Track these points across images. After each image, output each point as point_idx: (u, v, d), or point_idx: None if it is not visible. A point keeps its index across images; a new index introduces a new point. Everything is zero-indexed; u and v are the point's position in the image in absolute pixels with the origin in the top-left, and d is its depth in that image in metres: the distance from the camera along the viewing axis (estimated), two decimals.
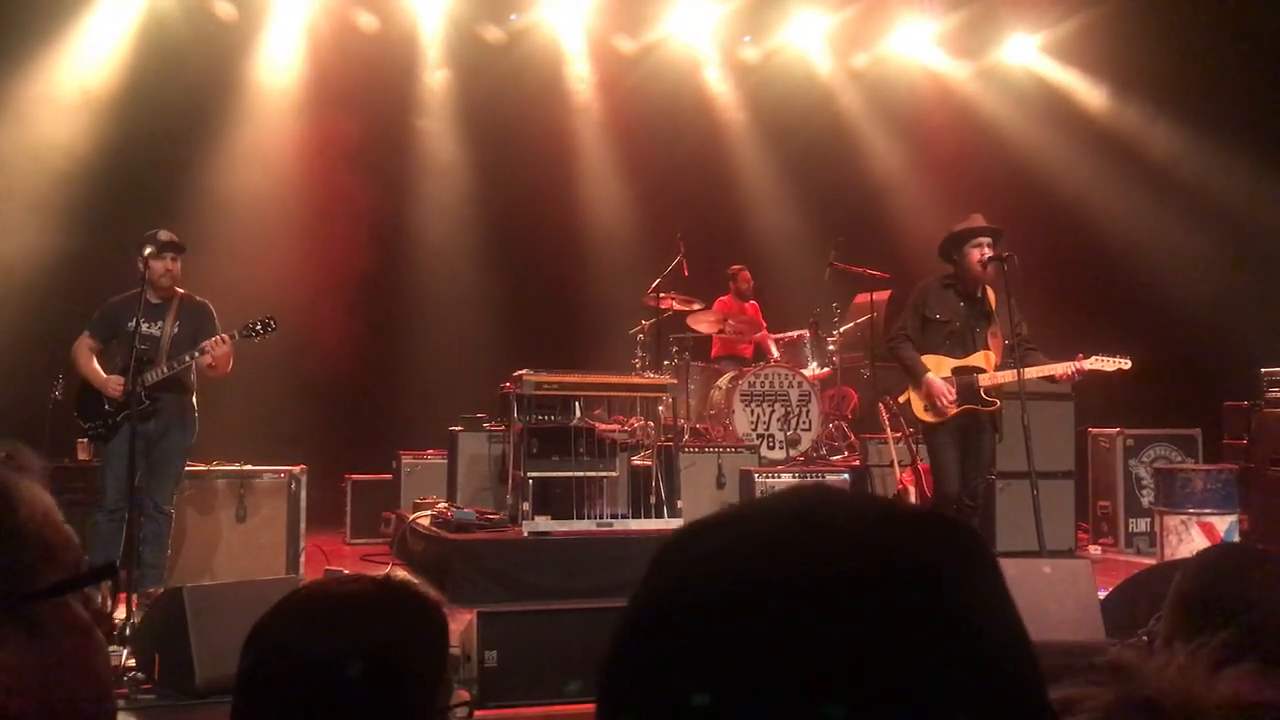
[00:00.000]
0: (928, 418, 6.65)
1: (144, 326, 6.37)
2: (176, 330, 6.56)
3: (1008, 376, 6.49)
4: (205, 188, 10.31)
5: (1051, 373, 6.54)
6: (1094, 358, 6.52)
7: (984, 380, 6.55)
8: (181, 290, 6.66)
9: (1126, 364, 6.54)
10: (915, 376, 6.65)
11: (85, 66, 10.10)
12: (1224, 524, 6.96)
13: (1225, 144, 10.48)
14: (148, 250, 6.40)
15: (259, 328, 6.54)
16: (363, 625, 1.39)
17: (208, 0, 10.63)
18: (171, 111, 10.18)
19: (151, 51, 10.24)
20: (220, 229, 9.99)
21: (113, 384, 6.43)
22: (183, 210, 9.62)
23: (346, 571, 7.71)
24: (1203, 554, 2.23)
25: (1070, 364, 6.50)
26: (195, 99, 10.39)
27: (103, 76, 10.14)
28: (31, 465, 1.12)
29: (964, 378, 6.58)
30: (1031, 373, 6.48)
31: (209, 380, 6.71)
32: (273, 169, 10.69)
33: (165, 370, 6.41)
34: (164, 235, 6.51)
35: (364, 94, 11.09)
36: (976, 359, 6.64)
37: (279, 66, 10.92)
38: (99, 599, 1.12)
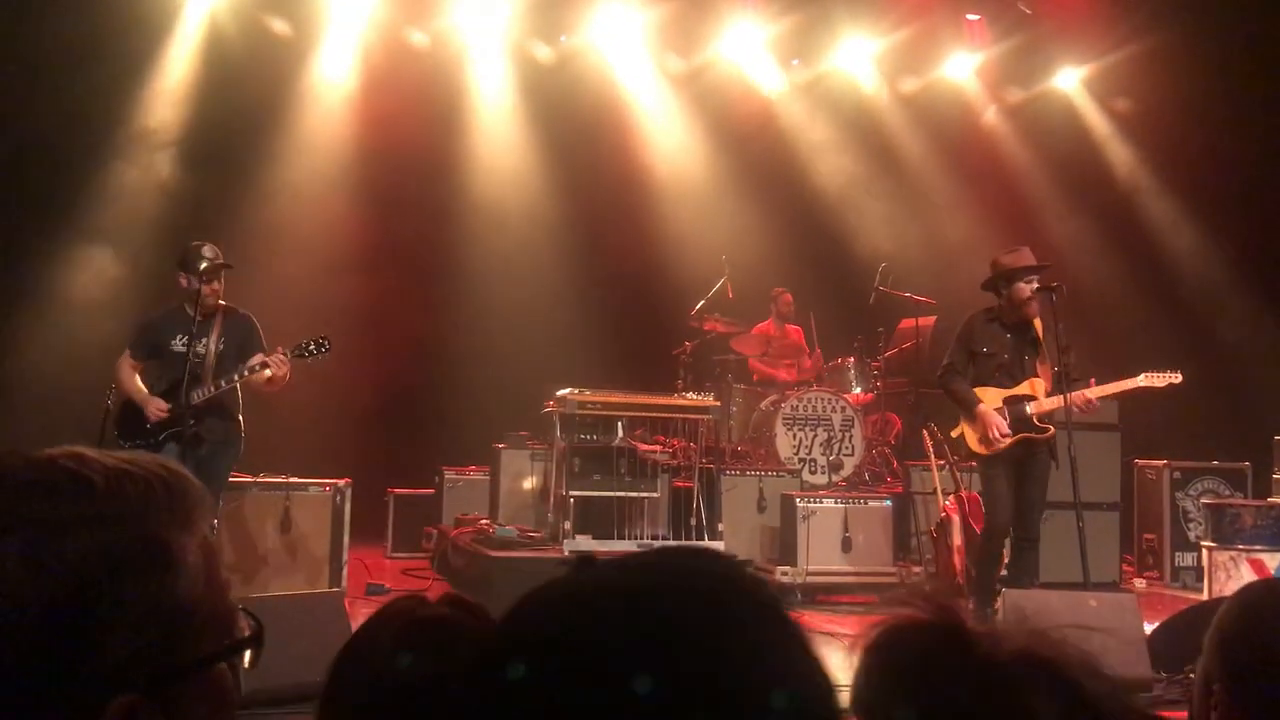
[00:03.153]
0: (982, 449, 6.67)
1: (183, 345, 6.20)
2: (222, 346, 6.33)
3: (1056, 403, 6.50)
4: (257, 205, 10.44)
5: (1106, 393, 6.57)
6: (1144, 375, 6.55)
7: (1034, 408, 6.58)
8: (223, 303, 6.44)
9: (1177, 378, 6.56)
10: (968, 409, 6.68)
11: (160, 92, 10.36)
12: (1275, 561, 6.85)
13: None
14: (194, 266, 6.18)
15: (312, 348, 6.32)
16: (455, 650, 1.44)
17: (263, 16, 10.78)
18: (225, 128, 10.36)
19: (210, 69, 10.42)
20: (267, 246, 10.13)
21: (154, 406, 6.22)
22: (233, 226, 9.76)
23: (387, 586, 7.78)
24: (1244, 590, 2.14)
25: (1123, 383, 6.51)
26: (246, 115, 10.55)
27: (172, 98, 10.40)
28: (198, 499, 0.97)
29: (1015, 407, 6.63)
30: (1091, 393, 6.52)
31: (263, 395, 6.55)
32: (321, 187, 10.82)
33: (212, 389, 6.19)
34: (210, 252, 6.25)
35: (413, 112, 11.19)
36: (1025, 387, 6.68)
37: (331, 83, 11.05)
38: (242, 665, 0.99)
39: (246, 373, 6.21)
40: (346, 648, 1.50)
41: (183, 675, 0.90)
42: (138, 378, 6.42)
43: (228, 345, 6.34)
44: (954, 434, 7.01)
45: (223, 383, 6.21)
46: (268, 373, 6.19)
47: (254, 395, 6.68)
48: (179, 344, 6.27)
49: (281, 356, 6.21)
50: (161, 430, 6.22)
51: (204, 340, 6.28)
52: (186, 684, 0.91)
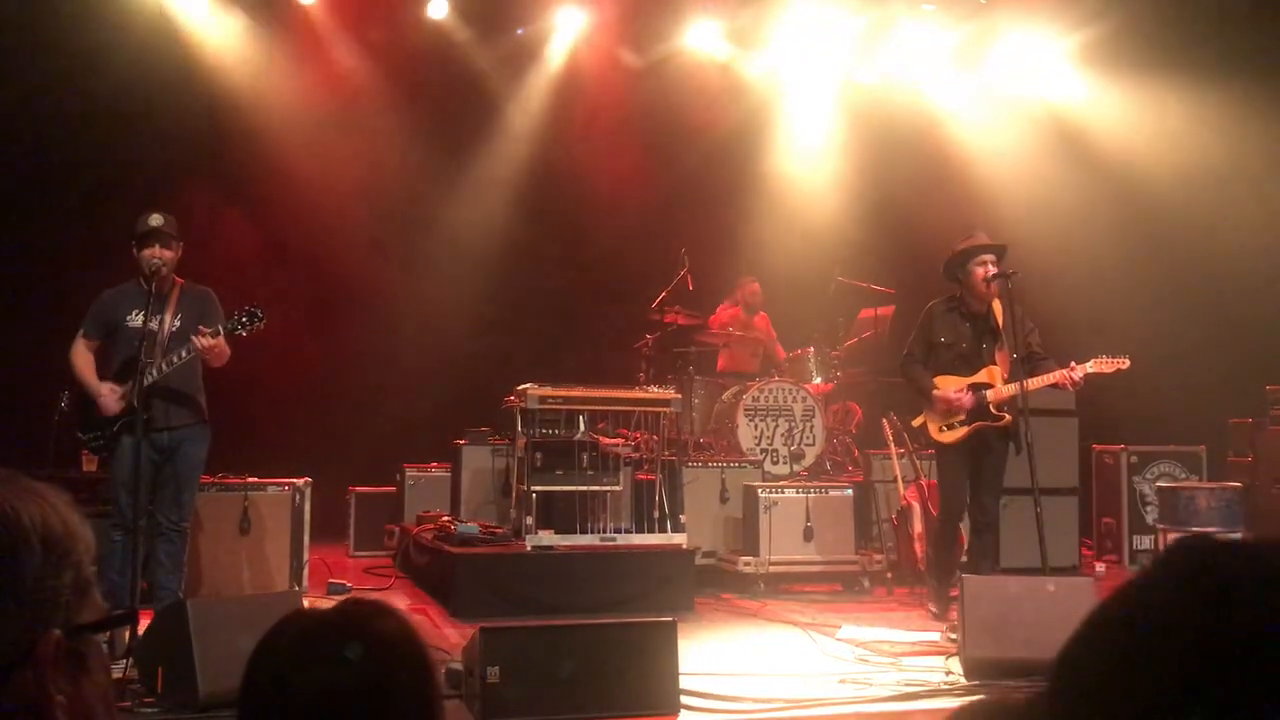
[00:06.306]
0: (942, 438, 6.75)
1: (140, 320, 5.88)
2: (178, 324, 5.94)
3: (1012, 390, 6.53)
4: (218, 201, 10.34)
5: (1052, 381, 6.60)
6: (1091, 361, 6.56)
7: (991, 395, 6.63)
8: (180, 279, 6.09)
9: (1125, 364, 6.54)
10: (926, 395, 6.78)
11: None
12: None
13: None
14: (137, 233, 5.93)
15: (244, 320, 5.85)
16: (361, 658, 1.42)
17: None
18: (185, 118, 10.25)
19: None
20: (226, 245, 10.05)
21: (106, 394, 5.87)
22: (197, 218, 9.66)
23: (349, 585, 7.73)
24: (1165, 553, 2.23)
25: (1068, 371, 6.53)
26: (207, 109, 10.45)
27: None
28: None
29: (973, 395, 6.67)
30: (1034, 383, 6.54)
31: (210, 370, 6.11)
32: (280, 183, 10.72)
33: (164, 367, 5.79)
34: (153, 220, 5.93)
35: (367, 114, 11.11)
36: (983, 375, 6.73)
37: (291, 83, 10.94)
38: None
39: (185, 354, 5.81)
40: (254, 652, 1.49)
41: (84, 631, 0.98)
42: (93, 363, 6.05)
43: (184, 321, 5.96)
44: (915, 423, 7.09)
45: (173, 359, 5.82)
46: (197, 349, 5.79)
47: (216, 389, 6.35)
48: (134, 319, 5.96)
49: (205, 334, 5.77)
50: (115, 421, 5.87)
51: (158, 316, 5.93)
52: (90, 649, 1.00)
